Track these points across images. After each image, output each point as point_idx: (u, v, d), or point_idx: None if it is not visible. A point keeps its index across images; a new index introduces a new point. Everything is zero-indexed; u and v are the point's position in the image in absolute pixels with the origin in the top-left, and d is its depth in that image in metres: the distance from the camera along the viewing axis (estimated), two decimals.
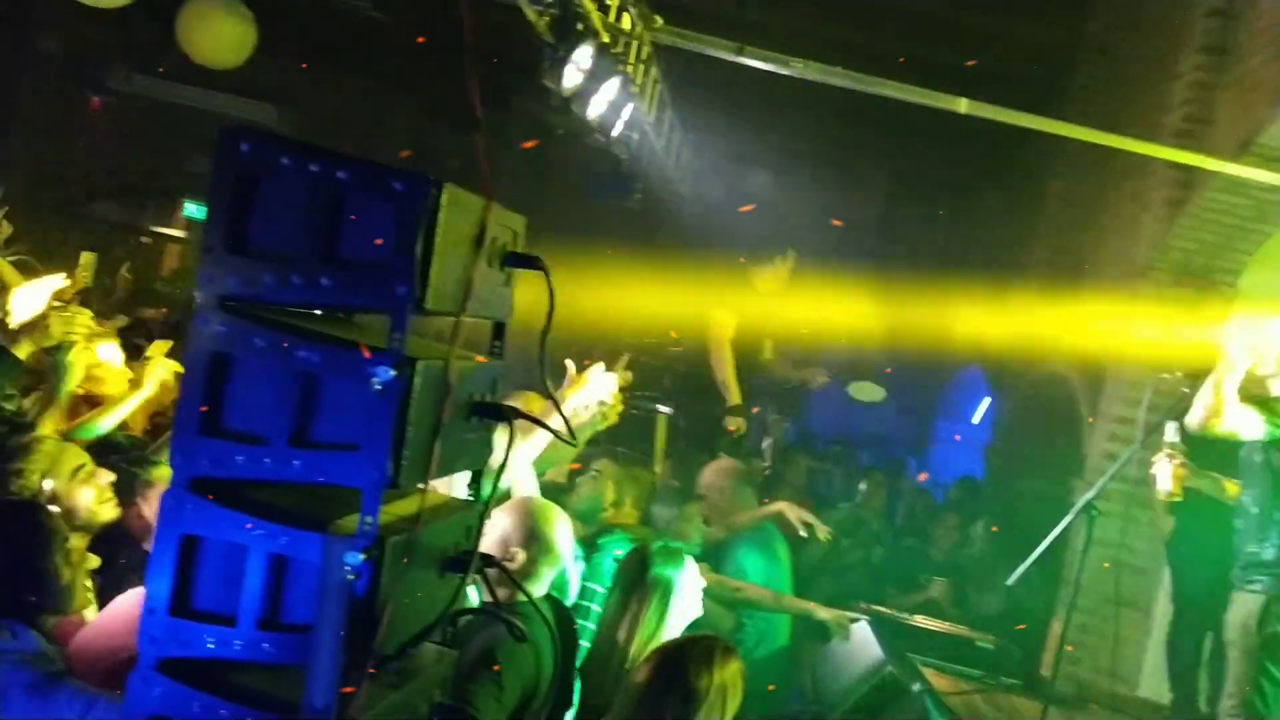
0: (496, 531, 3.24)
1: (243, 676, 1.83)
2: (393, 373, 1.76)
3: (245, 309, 1.83)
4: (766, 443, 8.64)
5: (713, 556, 4.81)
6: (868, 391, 7.39)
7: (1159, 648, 6.57)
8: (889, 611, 6.79)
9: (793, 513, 4.75)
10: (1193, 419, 4.33)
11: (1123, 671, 6.28)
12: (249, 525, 1.80)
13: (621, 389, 3.67)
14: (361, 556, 1.76)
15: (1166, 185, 6.68)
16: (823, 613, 4.58)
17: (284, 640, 1.81)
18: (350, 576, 1.75)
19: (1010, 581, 4.61)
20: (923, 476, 8.49)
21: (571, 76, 5.04)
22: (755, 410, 8.97)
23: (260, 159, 1.83)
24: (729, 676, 2.79)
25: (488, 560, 2.17)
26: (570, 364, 3.66)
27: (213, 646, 1.82)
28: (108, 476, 3.60)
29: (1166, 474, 4.39)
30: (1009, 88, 6.06)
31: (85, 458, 3.61)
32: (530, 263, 2.11)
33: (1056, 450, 8.83)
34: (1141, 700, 6.64)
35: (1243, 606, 4.33)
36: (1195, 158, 6.13)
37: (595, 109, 5.43)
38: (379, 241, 1.79)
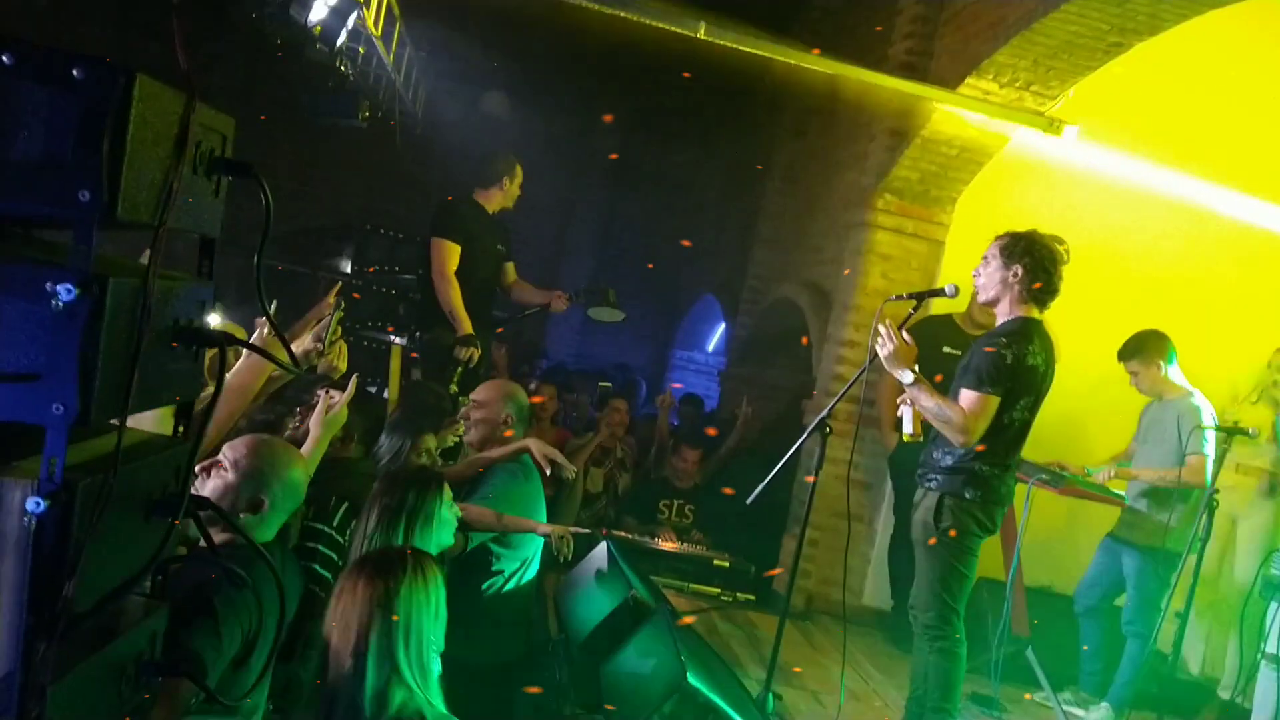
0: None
1: None
2: (76, 291, 1.52)
3: None
4: (541, 369, 8.55)
5: (468, 487, 4.67)
6: (607, 314, 7.31)
7: (882, 557, 6.99)
8: (630, 536, 6.88)
9: (538, 450, 4.63)
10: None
11: (849, 581, 6.60)
12: None
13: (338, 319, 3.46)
14: (45, 503, 1.53)
15: (892, 116, 6.93)
16: (544, 529, 4.46)
17: None
18: (31, 526, 1.52)
19: (748, 501, 4.69)
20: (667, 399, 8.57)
21: None
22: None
23: None
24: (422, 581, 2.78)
25: (201, 503, 1.97)
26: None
27: None
28: None
29: (909, 416, 4.59)
30: (744, 17, 6.07)
31: None
32: (242, 170, 1.90)
33: (787, 373, 9.17)
34: (866, 608, 7.04)
35: (922, 503, 4.60)
36: (917, 88, 6.38)
37: (316, 14, 5.07)
38: (56, 139, 1.54)
